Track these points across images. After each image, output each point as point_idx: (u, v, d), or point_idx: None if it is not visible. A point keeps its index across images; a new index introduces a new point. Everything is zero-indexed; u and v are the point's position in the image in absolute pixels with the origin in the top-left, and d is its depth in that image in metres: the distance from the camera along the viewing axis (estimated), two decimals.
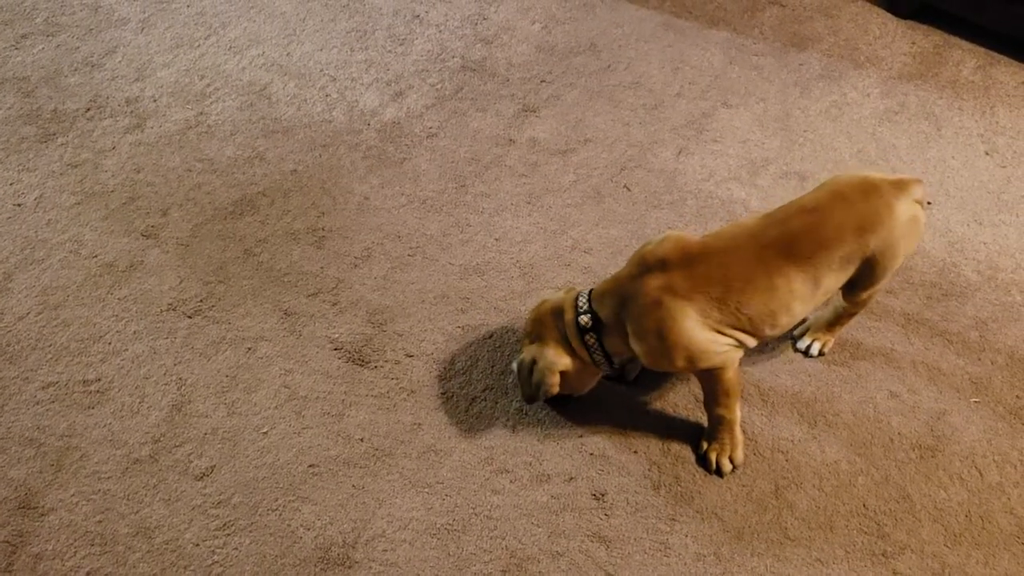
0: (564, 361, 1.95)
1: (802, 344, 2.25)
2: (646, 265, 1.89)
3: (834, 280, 1.94)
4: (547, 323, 1.99)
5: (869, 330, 2.33)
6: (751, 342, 1.95)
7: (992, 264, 2.51)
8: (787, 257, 1.87)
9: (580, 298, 1.96)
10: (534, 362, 1.97)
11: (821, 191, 1.96)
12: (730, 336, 1.91)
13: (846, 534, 1.97)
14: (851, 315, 2.19)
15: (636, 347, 1.90)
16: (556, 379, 1.95)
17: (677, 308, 1.85)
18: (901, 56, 3.10)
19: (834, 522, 1.99)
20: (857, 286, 2.03)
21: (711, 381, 1.96)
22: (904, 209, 1.93)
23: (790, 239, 1.88)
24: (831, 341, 2.24)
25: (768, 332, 1.95)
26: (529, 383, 1.98)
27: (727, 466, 2.03)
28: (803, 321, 2.25)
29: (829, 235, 1.88)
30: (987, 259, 2.52)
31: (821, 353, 2.24)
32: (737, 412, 2.02)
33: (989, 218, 2.63)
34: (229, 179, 2.55)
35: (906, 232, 1.95)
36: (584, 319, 1.93)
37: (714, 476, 2.04)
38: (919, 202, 1.97)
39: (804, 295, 1.91)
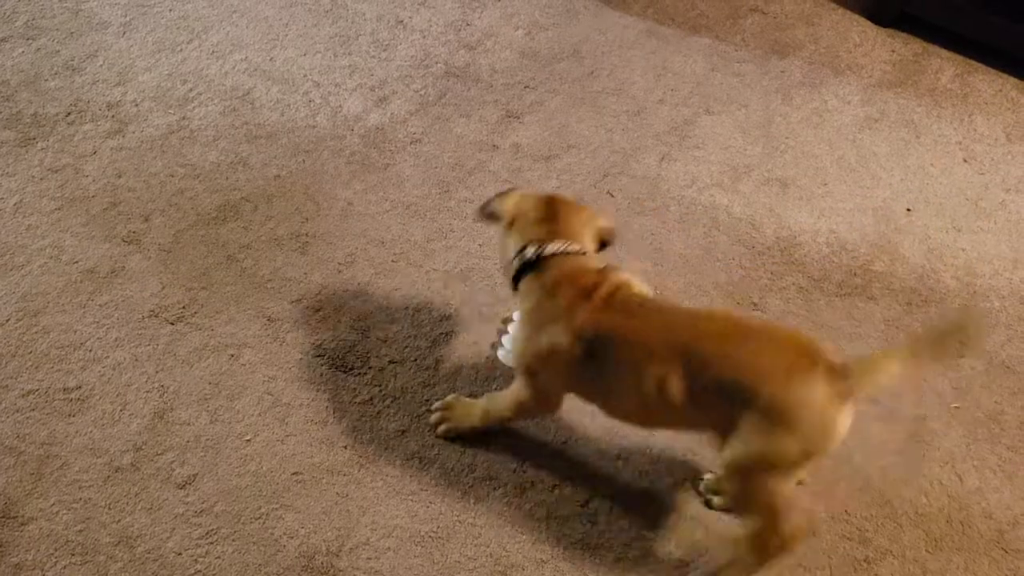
0: None
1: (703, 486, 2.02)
2: (592, 287, 1.75)
3: (699, 409, 1.67)
4: None
5: (850, 337, 2.35)
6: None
7: (970, 270, 2.53)
8: (678, 347, 1.65)
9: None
10: None
11: (765, 323, 1.78)
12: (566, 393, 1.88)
13: (828, 540, 1.98)
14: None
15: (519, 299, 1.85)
16: None
17: (564, 324, 1.74)
18: (881, 64, 3.13)
19: (816, 528, 2.00)
20: (728, 449, 1.66)
21: (519, 392, 1.91)
22: (822, 394, 1.56)
23: (696, 332, 1.67)
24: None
25: (600, 406, 1.84)
26: None
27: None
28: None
29: (729, 353, 1.62)
30: (965, 265, 2.55)
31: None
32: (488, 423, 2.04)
33: (967, 225, 2.66)
34: (212, 184, 2.53)
35: (808, 421, 1.58)
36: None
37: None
38: (851, 403, 1.60)
39: (656, 399, 1.67)
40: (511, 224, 1.89)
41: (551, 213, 1.87)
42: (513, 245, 1.86)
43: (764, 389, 1.57)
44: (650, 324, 1.71)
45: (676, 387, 1.65)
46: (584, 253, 1.84)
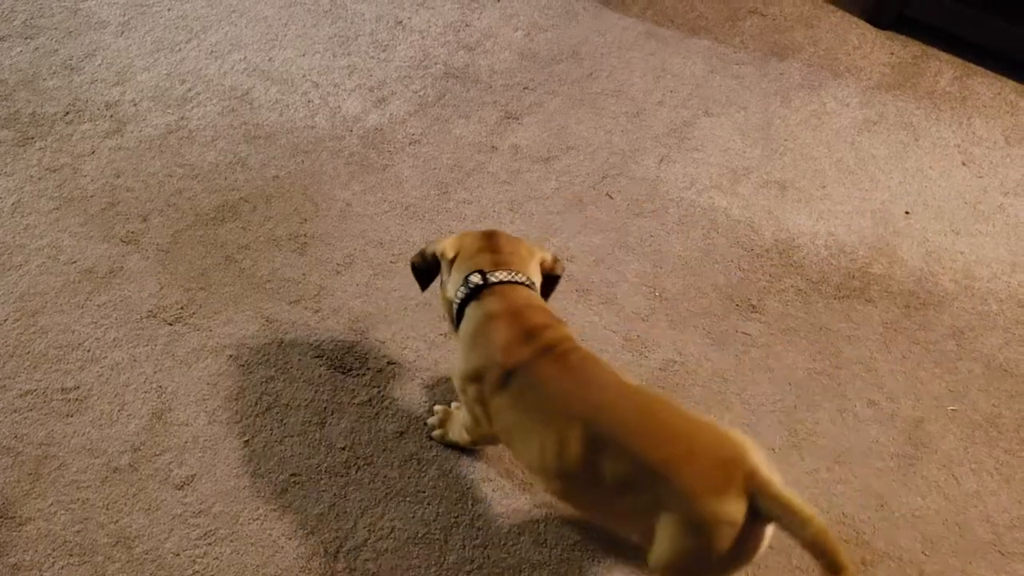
0: None
1: None
2: (537, 327, 1.69)
3: (609, 494, 1.58)
4: None
5: (848, 339, 2.35)
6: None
7: (969, 273, 2.54)
8: (602, 422, 1.58)
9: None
10: None
11: (699, 422, 1.58)
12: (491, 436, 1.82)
13: None
14: None
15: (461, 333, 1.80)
16: None
17: (500, 354, 1.68)
18: (880, 66, 3.13)
19: None
20: (652, 552, 1.59)
21: (463, 416, 1.86)
22: (731, 503, 1.47)
23: (624, 413, 1.58)
24: None
25: (512, 452, 1.76)
26: None
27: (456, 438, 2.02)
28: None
29: (652, 448, 1.53)
30: (964, 268, 2.55)
31: None
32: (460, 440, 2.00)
33: (966, 228, 2.66)
34: (210, 185, 2.53)
35: (725, 539, 1.48)
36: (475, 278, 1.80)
37: None
38: (763, 517, 1.47)
39: (564, 466, 1.61)
40: (453, 261, 1.84)
41: (494, 245, 1.82)
42: (458, 277, 1.81)
43: (682, 499, 1.49)
44: (582, 386, 1.62)
45: (588, 462, 1.57)
46: (531, 284, 1.80)
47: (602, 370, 1.66)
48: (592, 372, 1.64)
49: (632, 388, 1.63)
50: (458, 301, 1.79)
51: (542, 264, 1.88)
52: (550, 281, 1.90)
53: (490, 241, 1.84)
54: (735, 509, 1.47)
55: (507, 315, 1.71)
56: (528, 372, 1.65)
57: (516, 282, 1.77)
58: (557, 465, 1.61)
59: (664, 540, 1.54)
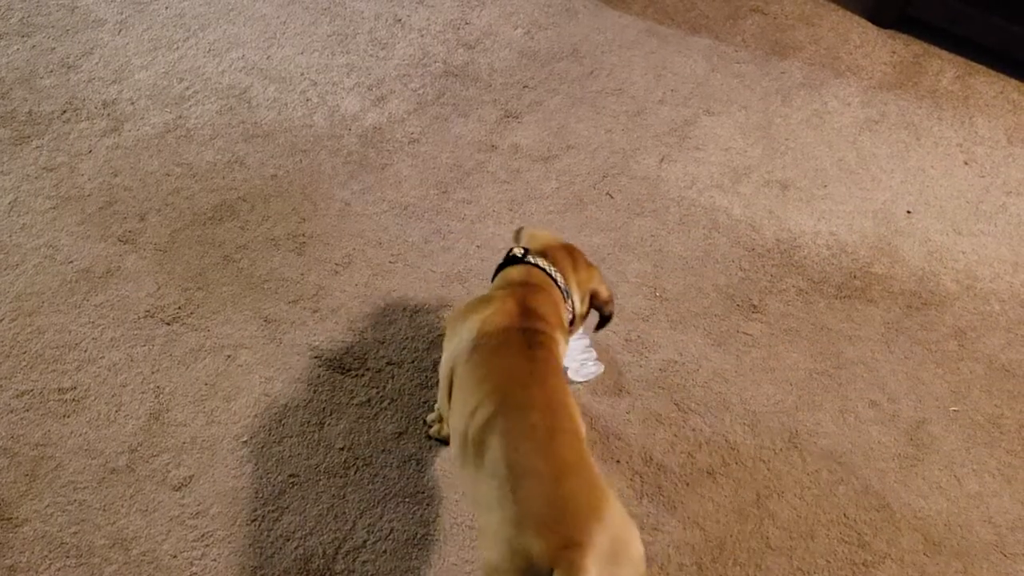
0: None
1: None
2: (538, 313, 1.73)
3: (479, 468, 1.55)
4: None
5: (850, 339, 2.34)
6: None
7: (971, 273, 2.53)
8: (504, 411, 1.56)
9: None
10: None
11: (591, 480, 1.49)
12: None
13: (827, 543, 1.98)
14: None
15: None
16: None
17: (490, 312, 1.72)
18: (881, 65, 3.12)
19: (815, 531, 1.99)
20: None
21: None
22: (530, 553, 1.38)
23: (534, 419, 1.54)
24: None
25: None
26: None
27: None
28: None
29: (528, 453, 1.49)
30: (966, 268, 2.54)
31: None
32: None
33: (968, 227, 2.65)
34: (208, 184, 2.52)
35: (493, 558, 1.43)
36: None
37: (695, 487, 2.04)
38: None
39: (467, 416, 1.60)
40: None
41: (555, 249, 1.89)
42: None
43: (505, 517, 1.44)
44: (525, 375, 1.62)
45: (482, 439, 1.54)
46: (566, 291, 1.83)
47: (555, 378, 1.64)
48: (543, 372, 1.64)
49: (565, 413, 1.58)
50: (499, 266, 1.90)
51: (595, 295, 1.93)
52: (603, 321, 1.99)
53: (558, 247, 1.91)
54: (524, 560, 1.37)
55: (521, 286, 1.78)
56: (500, 336, 1.67)
57: (550, 276, 1.83)
58: (463, 427, 1.60)
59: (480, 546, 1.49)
